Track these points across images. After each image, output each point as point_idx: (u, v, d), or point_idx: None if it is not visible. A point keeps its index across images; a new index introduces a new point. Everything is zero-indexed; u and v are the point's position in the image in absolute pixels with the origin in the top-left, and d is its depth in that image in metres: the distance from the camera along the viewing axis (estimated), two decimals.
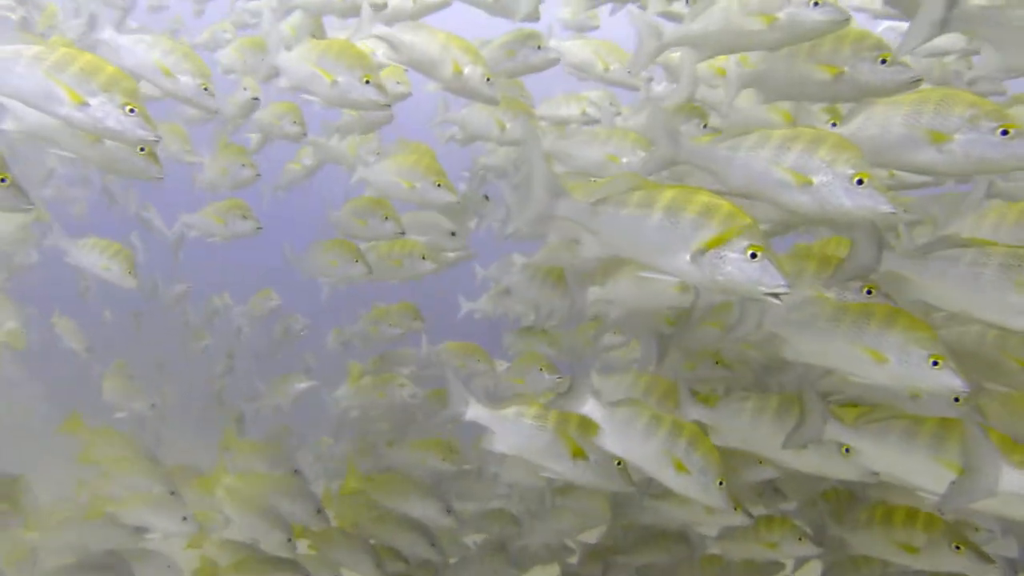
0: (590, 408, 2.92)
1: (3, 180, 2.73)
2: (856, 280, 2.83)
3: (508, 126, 4.28)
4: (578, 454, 3.06)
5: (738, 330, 2.97)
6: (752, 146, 2.64)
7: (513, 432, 3.13)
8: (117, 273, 4.09)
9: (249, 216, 4.58)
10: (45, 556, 3.99)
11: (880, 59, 2.83)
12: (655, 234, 2.46)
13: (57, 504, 4.20)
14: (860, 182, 2.47)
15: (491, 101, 3.77)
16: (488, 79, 3.67)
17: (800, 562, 4.20)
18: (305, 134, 4.38)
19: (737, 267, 2.32)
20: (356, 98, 3.50)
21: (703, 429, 3.00)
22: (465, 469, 4.80)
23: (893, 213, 2.47)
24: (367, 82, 3.46)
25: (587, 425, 3.02)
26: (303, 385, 6.26)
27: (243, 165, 4.52)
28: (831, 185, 2.49)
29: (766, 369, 3.65)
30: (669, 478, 2.84)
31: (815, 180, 2.51)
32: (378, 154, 4.21)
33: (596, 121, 4.54)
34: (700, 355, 3.70)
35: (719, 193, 2.48)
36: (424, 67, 3.73)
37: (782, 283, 2.30)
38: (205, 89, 3.41)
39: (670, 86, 4.32)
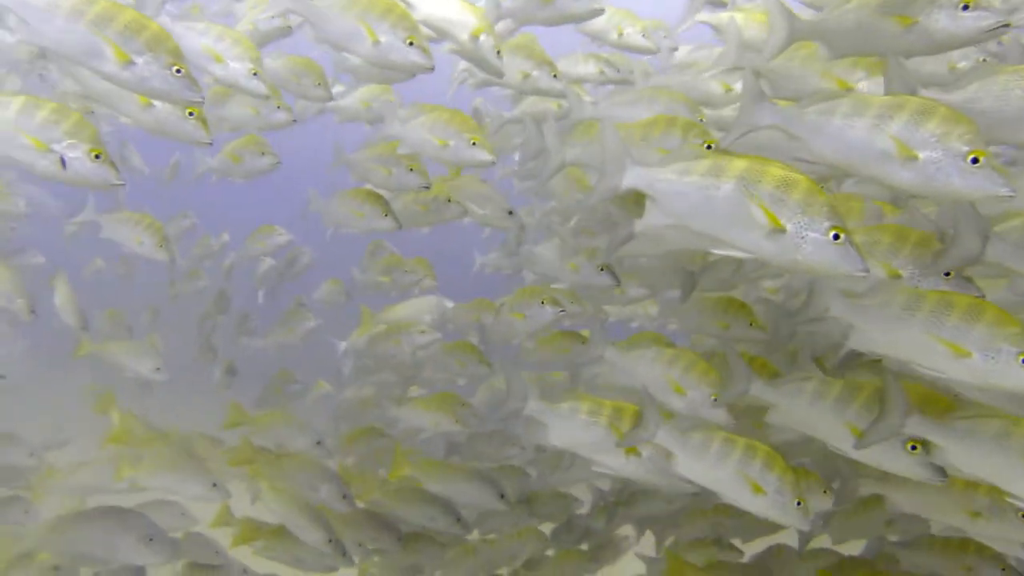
0: (663, 437, 2.93)
1: (97, 156, 2.76)
2: (958, 269, 2.66)
3: (534, 74, 4.06)
4: (631, 450, 3.12)
5: (804, 313, 2.86)
6: (848, 113, 2.43)
7: (568, 427, 3.21)
8: (149, 247, 4.11)
9: (267, 152, 4.41)
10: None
11: (961, 4, 2.54)
12: (726, 205, 2.35)
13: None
14: (975, 161, 2.27)
15: (497, 72, 3.73)
16: (498, 52, 3.64)
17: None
18: (331, 97, 4.21)
19: (819, 248, 2.22)
20: (398, 60, 3.37)
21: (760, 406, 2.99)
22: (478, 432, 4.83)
23: (1012, 196, 2.28)
24: (411, 44, 3.34)
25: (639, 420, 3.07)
26: (310, 323, 6.19)
27: (262, 153, 4.37)
28: (940, 162, 2.29)
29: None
30: (746, 501, 2.82)
31: (922, 155, 2.30)
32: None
33: (615, 81, 4.57)
34: (734, 316, 3.73)
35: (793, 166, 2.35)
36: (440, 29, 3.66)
37: (862, 268, 2.22)
38: (255, 75, 3.36)
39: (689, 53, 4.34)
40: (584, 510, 4.94)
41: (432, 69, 3.45)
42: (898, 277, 2.71)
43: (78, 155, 2.75)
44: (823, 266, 2.25)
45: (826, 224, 2.22)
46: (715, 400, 3.20)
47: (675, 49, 4.32)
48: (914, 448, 2.67)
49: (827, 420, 2.82)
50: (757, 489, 2.78)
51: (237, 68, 3.37)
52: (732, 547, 4.46)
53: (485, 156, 3.79)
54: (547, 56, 4.09)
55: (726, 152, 2.58)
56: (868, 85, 3.04)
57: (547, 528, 4.97)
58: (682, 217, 2.52)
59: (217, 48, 3.34)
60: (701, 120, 3.47)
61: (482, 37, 3.59)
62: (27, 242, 5.96)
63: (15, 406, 5.09)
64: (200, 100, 2.80)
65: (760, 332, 3.69)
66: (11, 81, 4.63)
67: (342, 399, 5.82)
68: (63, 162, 2.76)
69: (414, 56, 3.36)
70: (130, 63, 2.70)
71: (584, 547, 4.98)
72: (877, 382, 2.74)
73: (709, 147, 3.21)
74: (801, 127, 2.52)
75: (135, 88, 2.78)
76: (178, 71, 2.73)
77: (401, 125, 3.89)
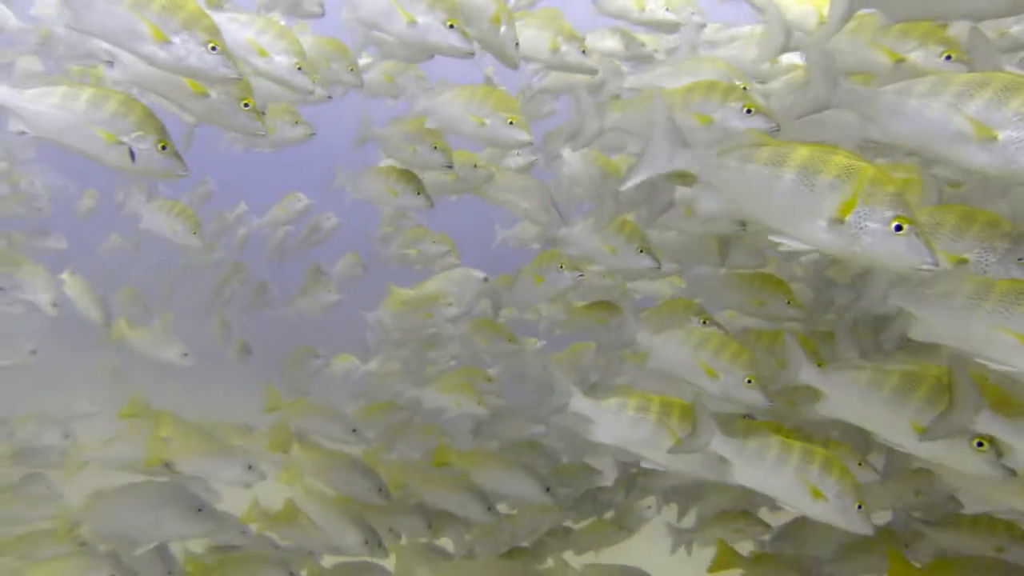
0: (718, 444, 2.90)
1: (164, 147, 2.79)
2: None
3: (563, 48, 3.98)
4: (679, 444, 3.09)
5: (863, 301, 2.84)
6: (927, 91, 2.31)
7: (615, 423, 3.17)
8: (182, 233, 4.16)
9: (300, 121, 4.32)
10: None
11: None
12: (786, 195, 2.27)
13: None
14: None
15: (513, 64, 3.69)
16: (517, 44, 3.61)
17: None
18: (362, 84, 4.09)
19: (880, 239, 2.14)
20: (437, 42, 3.34)
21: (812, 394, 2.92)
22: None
23: None
24: (451, 26, 3.30)
25: (687, 415, 3.07)
26: (332, 296, 6.16)
27: (296, 122, 4.29)
28: (1022, 143, 2.15)
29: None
30: (806, 506, 2.78)
31: (1001, 135, 2.18)
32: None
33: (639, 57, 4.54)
34: (771, 293, 3.67)
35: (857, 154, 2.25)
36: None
37: (930, 260, 2.13)
38: (299, 69, 3.33)
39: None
40: (606, 482, 4.97)
41: (473, 54, 3.40)
42: (964, 263, 2.60)
43: (146, 147, 2.78)
44: (885, 258, 2.17)
45: (888, 214, 2.14)
46: (749, 382, 3.18)
47: (704, 25, 4.27)
48: (980, 445, 2.57)
49: (884, 413, 2.72)
50: (817, 494, 2.74)
51: (281, 62, 3.33)
52: (758, 519, 4.50)
53: (523, 136, 3.68)
54: (575, 31, 4.02)
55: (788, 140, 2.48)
56: (922, 55, 2.99)
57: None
58: (740, 205, 2.46)
59: (260, 41, 3.31)
60: (744, 88, 3.39)
61: (503, 28, 3.54)
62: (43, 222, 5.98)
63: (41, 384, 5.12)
64: (237, 76, 2.80)
65: (798, 310, 3.62)
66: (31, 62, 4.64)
67: (366, 373, 5.83)
68: (132, 154, 2.78)
69: (454, 39, 3.32)
70: (167, 42, 2.71)
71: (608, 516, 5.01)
72: (934, 369, 2.69)
73: (749, 111, 3.18)
74: (875, 107, 2.43)
75: (172, 67, 2.79)
76: (213, 48, 2.74)
77: (433, 101, 3.79)
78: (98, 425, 4.94)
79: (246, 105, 3.08)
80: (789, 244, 2.34)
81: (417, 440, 5.18)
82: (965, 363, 2.50)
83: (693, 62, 3.75)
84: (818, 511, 2.76)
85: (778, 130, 3.14)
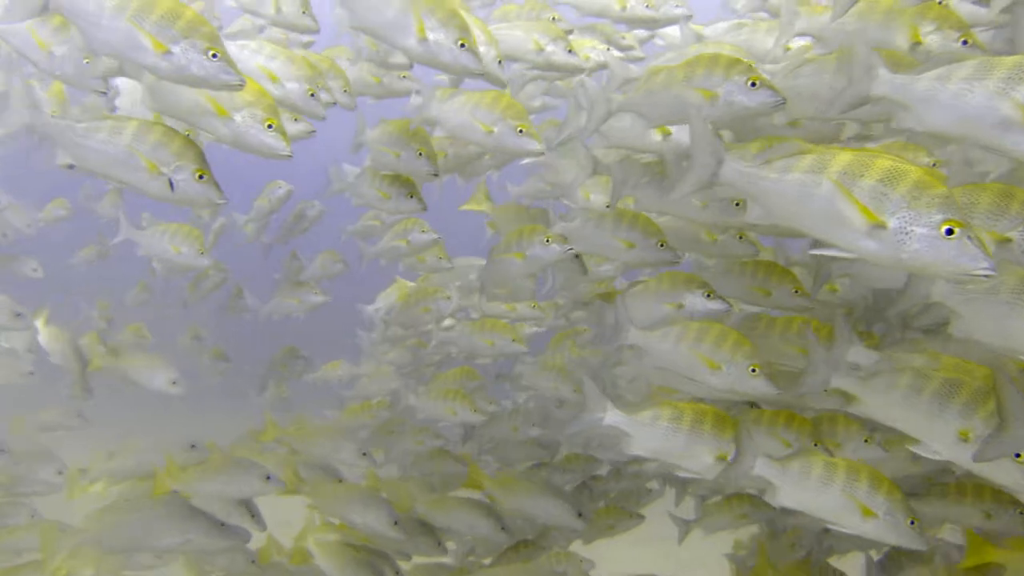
0: (761, 468, 2.88)
1: (202, 176, 2.83)
2: None
3: (547, 48, 3.98)
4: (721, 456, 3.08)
5: (904, 301, 2.74)
6: (968, 76, 2.23)
7: (650, 435, 3.15)
8: (190, 255, 4.06)
9: (300, 119, 4.20)
10: None
11: None
12: (826, 203, 2.21)
13: None
14: None
15: (500, 83, 3.67)
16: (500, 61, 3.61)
17: None
18: (355, 106, 4.03)
19: (928, 244, 2.06)
20: (447, 61, 3.28)
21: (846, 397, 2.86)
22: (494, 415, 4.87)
23: None
24: (462, 46, 3.25)
25: (722, 425, 3.09)
26: (318, 298, 6.06)
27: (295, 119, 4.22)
28: None
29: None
30: (856, 525, 2.74)
31: None
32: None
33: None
34: (777, 282, 3.63)
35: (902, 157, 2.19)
36: None
37: (986, 265, 2.03)
38: (312, 96, 3.33)
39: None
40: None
41: (483, 74, 3.38)
42: (1008, 242, 2.49)
43: (184, 176, 2.83)
44: (935, 264, 2.09)
45: (937, 217, 2.06)
46: (754, 371, 3.19)
47: (690, 17, 4.29)
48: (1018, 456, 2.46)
49: (924, 419, 2.62)
50: (867, 512, 2.70)
51: (293, 88, 3.35)
52: (764, 502, 4.60)
53: (534, 145, 3.60)
54: (560, 30, 4.04)
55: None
56: (938, 39, 3.02)
57: None
58: (782, 217, 2.42)
59: (271, 67, 3.32)
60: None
61: (483, 48, 3.49)
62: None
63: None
64: (239, 82, 2.80)
65: (805, 299, 3.59)
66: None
67: (357, 377, 5.82)
68: (171, 184, 2.82)
69: (464, 59, 3.27)
70: (167, 52, 2.72)
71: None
72: (973, 368, 2.65)
73: (754, 84, 3.13)
74: (912, 97, 2.37)
75: (175, 78, 2.80)
76: (214, 56, 2.74)
77: (441, 108, 3.69)
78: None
79: (270, 126, 3.05)
80: (834, 254, 2.29)
81: (410, 444, 5.16)
82: (1009, 372, 2.40)
83: (698, 48, 3.71)
84: (869, 529, 2.71)
85: (784, 103, 3.12)
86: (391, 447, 5.15)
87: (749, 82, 3.15)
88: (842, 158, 2.23)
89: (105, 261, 6.70)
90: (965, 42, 2.98)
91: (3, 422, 4.95)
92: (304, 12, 3.85)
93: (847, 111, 2.65)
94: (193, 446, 4.27)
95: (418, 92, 4.32)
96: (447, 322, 5.25)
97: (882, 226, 2.13)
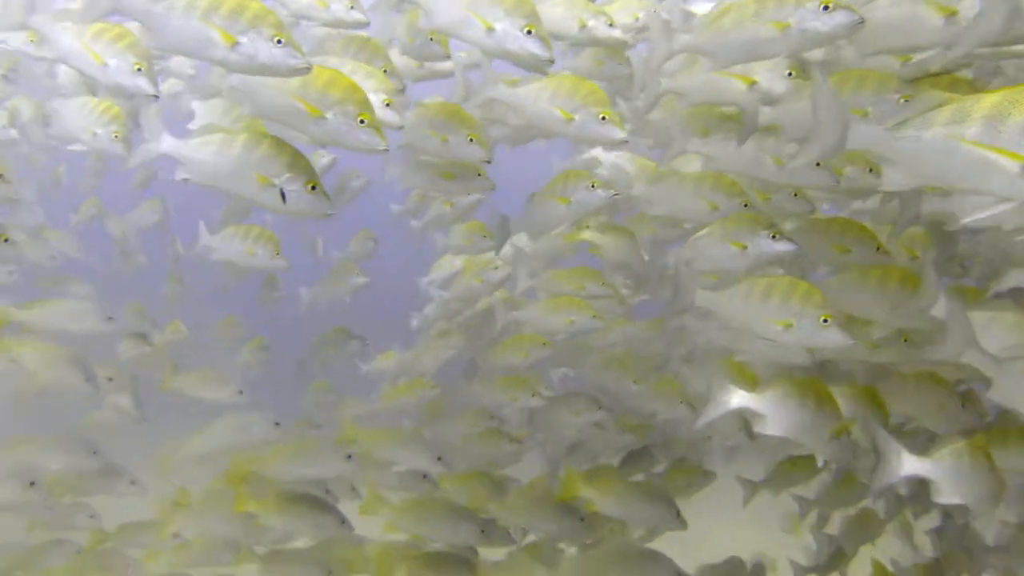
0: (914, 469, 2.88)
1: (313, 187, 2.91)
2: None
3: (590, 24, 3.86)
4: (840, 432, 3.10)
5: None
6: (950, 120, 2.14)
7: (783, 414, 3.13)
8: (265, 256, 4.01)
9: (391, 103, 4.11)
10: None
11: None
12: (969, 156, 2.07)
13: None
14: None
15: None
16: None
17: None
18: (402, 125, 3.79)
19: None
20: (514, 49, 3.22)
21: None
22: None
23: None
24: (529, 32, 3.19)
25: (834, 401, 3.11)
26: (360, 279, 6.05)
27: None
28: None
29: None
30: None
31: None
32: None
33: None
34: (856, 239, 3.52)
35: None
36: None
37: None
38: (388, 106, 3.30)
39: None
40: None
41: (553, 62, 3.29)
42: None
43: (296, 188, 2.90)
44: None
45: None
46: (825, 322, 3.08)
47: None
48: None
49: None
50: None
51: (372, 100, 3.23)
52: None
53: (617, 134, 3.39)
54: (598, 5, 3.96)
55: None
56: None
57: None
58: (926, 177, 2.29)
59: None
60: None
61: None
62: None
63: None
64: (307, 66, 2.86)
65: (885, 256, 3.47)
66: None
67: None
68: (283, 195, 2.88)
69: (531, 46, 3.22)
70: (236, 44, 2.80)
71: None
72: None
73: (827, 8, 2.96)
74: (894, 149, 2.30)
75: (244, 68, 2.88)
76: (279, 42, 2.81)
77: (505, 90, 3.50)
78: None
79: (362, 121, 3.03)
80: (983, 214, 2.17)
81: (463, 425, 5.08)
82: None
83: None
84: None
85: (862, 23, 2.98)
86: (440, 430, 5.05)
87: (822, 6, 3.01)
88: (986, 101, 2.08)
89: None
90: None
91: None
92: (352, 7, 3.75)
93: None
94: (277, 424, 4.30)
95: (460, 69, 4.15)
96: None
97: None
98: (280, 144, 2.94)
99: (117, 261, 6.65)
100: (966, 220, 2.30)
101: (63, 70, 4.45)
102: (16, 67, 4.68)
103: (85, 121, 3.70)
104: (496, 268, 5.05)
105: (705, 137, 3.79)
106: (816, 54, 3.41)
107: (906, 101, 2.92)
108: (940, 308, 2.99)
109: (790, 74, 3.43)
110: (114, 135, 3.60)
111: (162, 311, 6.23)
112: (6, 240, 3.36)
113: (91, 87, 4.21)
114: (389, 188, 4.97)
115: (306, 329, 6.11)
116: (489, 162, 3.88)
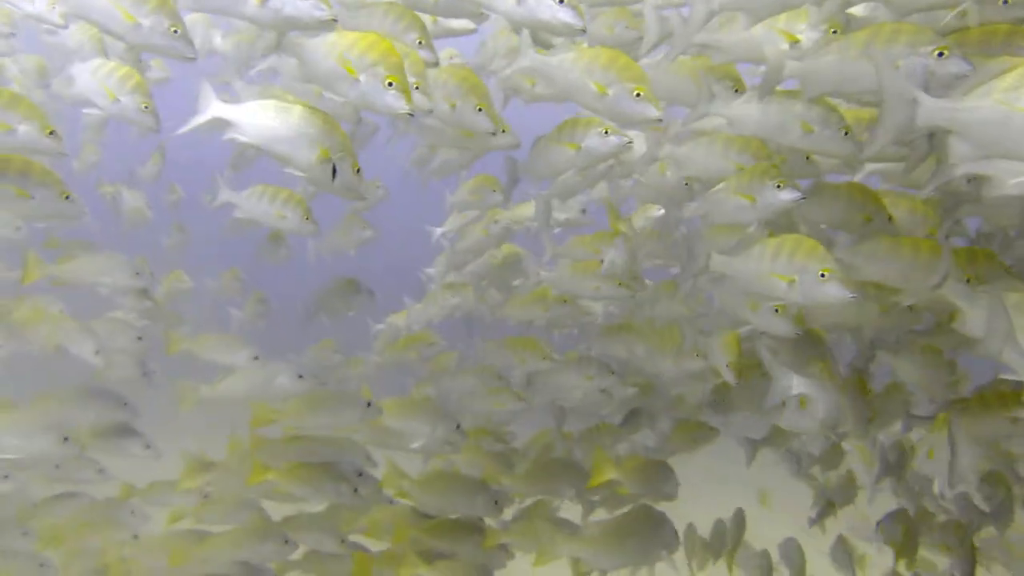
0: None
1: (358, 171, 3.04)
2: None
3: None
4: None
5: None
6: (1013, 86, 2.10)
7: (826, 399, 3.22)
8: (294, 221, 3.94)
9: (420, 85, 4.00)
10: None
11: None
12: None
13: None
14: None
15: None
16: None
17: None
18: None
19: None
20: (546, 18, 3.17)
21: None
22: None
23: None
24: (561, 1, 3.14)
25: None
26: (367, 232, 5.87)
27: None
28: None
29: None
30: None
31: None
32: None
33: None
34: (875, 208, 3.51)
35: None
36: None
37: None
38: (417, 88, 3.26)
39: None
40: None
41: (585, 31, 3.20)
42: None
43: (346, 167, 3.00)
44: None
45: None
46: (823, 276, 3.09)
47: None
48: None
49: None
50: None
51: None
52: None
53: (652, 112, 3.26)
54: None
55: None
56: None
57: None
58: (994, 147, 2.22)
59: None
60: None
61: None
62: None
63: None
64: (332, 18, 2.99)
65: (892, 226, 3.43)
66: None
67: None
68: (334, 171, 2.96)
69: (563, 15, 3.14)
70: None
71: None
72: None
73: None
74: (963, 119, 2.25)
75: (272, 22, 2.99)
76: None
77: (546, 62, 3.39)
78: None
79: (391, 84, 2.99)
80: None
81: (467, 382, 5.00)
82: None
83: None
84: None
85: None
86: (444, 386, 5.04)
87: None
88: None
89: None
90: None
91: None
92: None
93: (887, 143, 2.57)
94: (301, 377, 4.31)
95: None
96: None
97: None
98: (332, 121, 3.00)
99: (126, 221, 6.58)
100: (1014, 181, 2.34)
101: (70, 30, 4.27)
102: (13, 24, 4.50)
103: (103, 84, 3.56)
104: (496, 221, 5.04)
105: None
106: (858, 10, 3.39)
107: (940, 55, 2.80)
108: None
109: (834, 32, 3.30)
110: (143, 106, 3.47)
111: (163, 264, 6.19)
112: (67, 197, 3.28)
113: (102, 49, 4.09)
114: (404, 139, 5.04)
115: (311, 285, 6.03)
116: (494, 135, 3.70)
